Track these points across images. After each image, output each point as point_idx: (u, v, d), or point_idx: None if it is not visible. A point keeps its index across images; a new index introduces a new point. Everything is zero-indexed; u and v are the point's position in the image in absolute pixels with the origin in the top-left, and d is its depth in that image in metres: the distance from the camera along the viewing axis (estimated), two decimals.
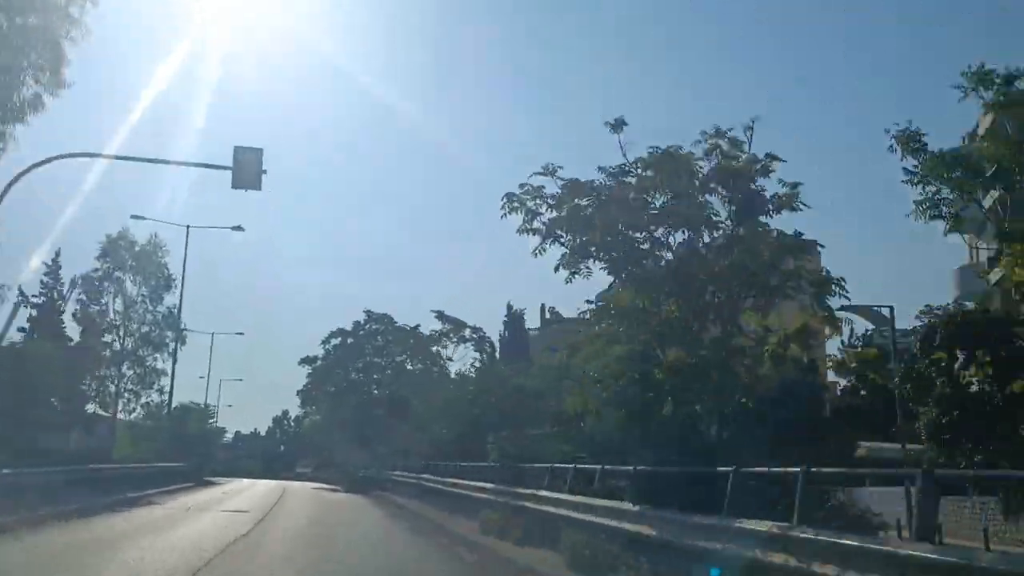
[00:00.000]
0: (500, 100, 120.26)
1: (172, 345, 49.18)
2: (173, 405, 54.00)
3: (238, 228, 52.33)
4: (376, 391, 63.72)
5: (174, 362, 49.40)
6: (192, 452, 52.56)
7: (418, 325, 44.07)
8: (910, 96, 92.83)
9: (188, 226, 49.80)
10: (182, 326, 49.20)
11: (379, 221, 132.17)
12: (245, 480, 64.01)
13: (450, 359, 57.52)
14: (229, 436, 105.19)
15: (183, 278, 48.99)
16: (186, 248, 49.29)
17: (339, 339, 63.58)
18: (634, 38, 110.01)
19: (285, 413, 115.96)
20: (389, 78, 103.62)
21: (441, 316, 41.24)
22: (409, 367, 62.31)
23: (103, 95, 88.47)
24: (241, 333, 74.00)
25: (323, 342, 63.52)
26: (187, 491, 37.10)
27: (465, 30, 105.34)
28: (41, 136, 24.99)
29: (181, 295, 49.43)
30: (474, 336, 42.48)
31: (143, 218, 50.49)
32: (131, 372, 49.38)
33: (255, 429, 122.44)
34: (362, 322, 63.83)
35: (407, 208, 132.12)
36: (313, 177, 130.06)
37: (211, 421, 60.44)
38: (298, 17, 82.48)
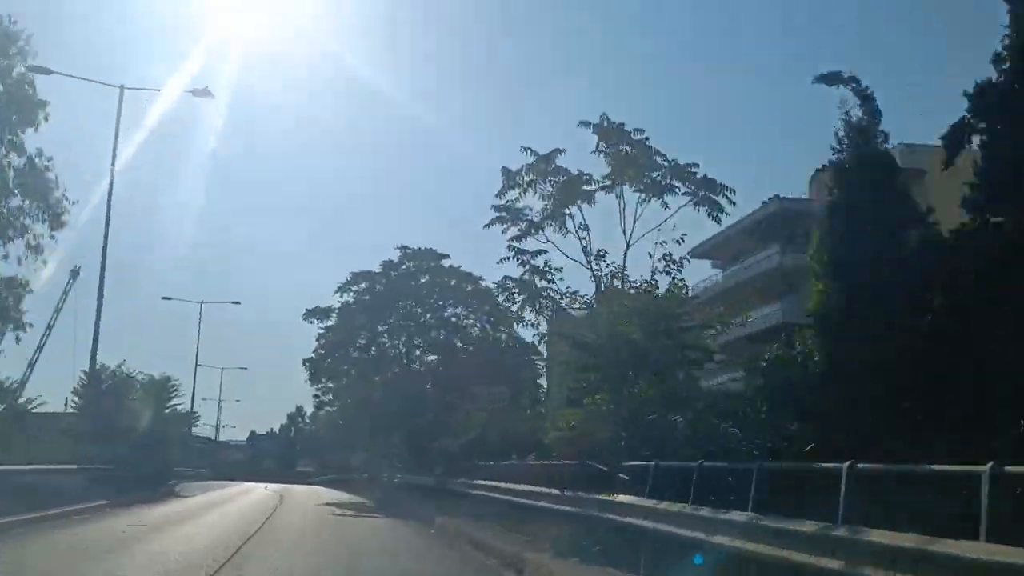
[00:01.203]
0: (510, 103, 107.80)
1: (33, 226, 28.95)
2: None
3: (205, 93, 33.51)
4: (415, 364, 43.62)
5: (100, 295, 29.61)
6: (140, 448, 33.06)
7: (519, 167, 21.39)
8: None
9: (122, 86, 32.23)
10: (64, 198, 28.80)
11: (391, 221, 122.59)
12: (239, 486, 49.10)
13: (520, 316, 36.13)
14: (241, 436, 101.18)
15: (114, 151, 30.50)
16: (119, 114, 31.17)
17: (364, 284, 43.31)
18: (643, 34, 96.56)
19: (300, 409, 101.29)
20: (402, 78, 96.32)
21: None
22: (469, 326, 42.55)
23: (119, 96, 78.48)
24: (237, 302, 56.83)
25: (339, 289, 43.13)
26: (53, 527, 17.48)
27: (479, 32, 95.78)
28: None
29: (111, 181, 30.39)
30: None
31: (47, 70, 32.03)
32: None
33: (271, 429, 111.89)
34: (395, 260, 43.50)
35: (419, 208, 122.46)
36: (322, 178, 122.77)
37: (171, 403, 39.60)
38: (308, 19, 77.04)
